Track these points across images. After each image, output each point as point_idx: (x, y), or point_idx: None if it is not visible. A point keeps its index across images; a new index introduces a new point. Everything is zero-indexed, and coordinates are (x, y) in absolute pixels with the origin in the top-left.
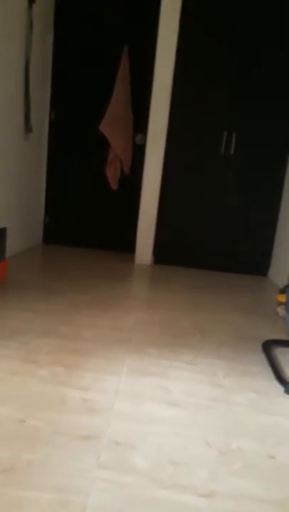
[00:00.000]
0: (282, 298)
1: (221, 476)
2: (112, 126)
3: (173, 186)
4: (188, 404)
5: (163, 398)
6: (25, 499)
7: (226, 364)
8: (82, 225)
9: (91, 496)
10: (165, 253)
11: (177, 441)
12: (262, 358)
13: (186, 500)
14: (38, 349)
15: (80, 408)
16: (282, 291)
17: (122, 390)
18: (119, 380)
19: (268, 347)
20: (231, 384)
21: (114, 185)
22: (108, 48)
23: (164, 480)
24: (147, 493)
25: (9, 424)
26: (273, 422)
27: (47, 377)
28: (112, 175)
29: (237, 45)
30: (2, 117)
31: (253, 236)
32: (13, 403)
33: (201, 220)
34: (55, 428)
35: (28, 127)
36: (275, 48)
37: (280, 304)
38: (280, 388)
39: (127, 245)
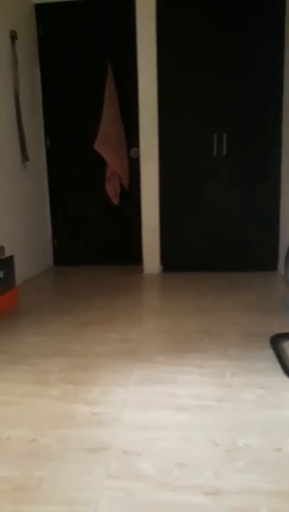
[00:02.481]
0: None
1: (227, 474)
2: (106, 144)
3: (171, 194)
4: (195, 407)
5: (170, 404)
6: None
7: (233, 364)
8: (90, 243)
9: (100, 505)
10: (172, 260)
11: (183, 444)
12: (270, 353)
13: (192, 500)
14: (48, 370)
15: (89, 422)
16: None
17: (130, 400)
18: (127, 391)
19: (276, 341)
20: (239, 382)
21: (115, 200)
22: (93, 68)
23: (171, 483)
24: (154, 497)
25: (21, 445)
26: (280, 416)
27: (57, 396)
28: (112, 190)
29: (217, 48)
30: None
31: (257, 233)
32: (24, 424)
33: (203, 224)
34: (65, 444)
35: (24, 156)
36: (257, 44)
37: None
38: (288, 381)
39: (136, 257)
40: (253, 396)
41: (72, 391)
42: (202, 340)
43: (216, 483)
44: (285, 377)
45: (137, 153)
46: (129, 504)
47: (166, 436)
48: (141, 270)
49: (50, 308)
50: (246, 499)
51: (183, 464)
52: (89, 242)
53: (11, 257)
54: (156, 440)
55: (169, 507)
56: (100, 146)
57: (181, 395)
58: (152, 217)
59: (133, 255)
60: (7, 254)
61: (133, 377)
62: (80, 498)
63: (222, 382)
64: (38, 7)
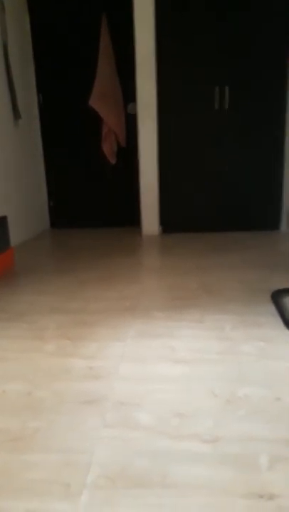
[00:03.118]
0: None
1: (226, 422)
2: (101, 99)
3: (171, 152)
4: (195, 360)
5: (169, 357)
6: (32, 462)
7: (233, 318)
8: (87, 204)
9: (96, 453)
10: (172, 221)
11: (182, 395)
12: (272, 308)
13: (191, 447)
14: (45, 326)
15: (86, 376)
16: None
17: (128, 354)
18: (125, 345)
19: (278, 296)
20: (239, 336)
21: (112, 159)
22: (87, 19)
23: (169, 432)
24: (151, 445)
25: (16, 398)
26: (281, 367)
27: (53, 351)
28: (109, 149)
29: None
30: None
31: (259, 191)
32: (20, 378)
33: (203, 182)
34: (60, 397)
35: (16, 114)
36: None
37: None
38: None
39: (135, 218)
40: (253, 348)
41: (69, 346)
42: (202, 296)
43: (215, 431)
44: (285, 330)
45: (134, 108)
46: (126, 452)
47: (165, 387)
48: (140, 232)
49: (48, 269)
50: (246, 446)
51: (181, 414)
52: (86, 203)
53: (5, 218)
54: (154, 392)
55: (167, 454)
56: (95, 102)
57: (180, 348)
58: (151, 177)
59: (132, 216)
60: (0, 214)
61: (131, 332)
62: (76, 446)
63: (222, 335)
64: None
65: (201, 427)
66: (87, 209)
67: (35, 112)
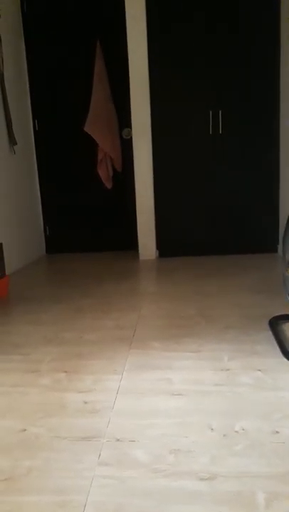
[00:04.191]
0: None
1: (223, 458)
2: (96, 124)
3: (166, 176)
4: (191, 392)
5: (165, 390)
6: (25, 504)
7: (231, 347)
8: (84, 229)
9: (91, 493)
10: (169, 245)
11: (179, 430)
12: (269, 335)
13: (187, 485)
14: (40, 359)
15: (81, 411)
16: None
17: (123, 387)
18: (121, 378)
19: (275, 323)
20: (236, 366)
21: (108, 184)
22: (81, 45)
23: (165, 469)
24: (147, 483)
25: (10, 435)
26: (279, 398)
27: (48, 385)
28: (105, 174)
29: (212, 21)
30: None
31: (255, 214)
32: (14, 414)
33: (200, 206)
34: (55, 433)
35: (12, 140)
36: (254, 17)
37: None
38: (287, 363)
39: (131, 242)
40: (251, 379)
41: (64, 380)
42: (199, 324)
43: (211, 468)
44: (283, 359)
45: (130, 133)
46: (122, 491)
47: (161, 422)
48: (137, 256)
49: (42, 297)
50: (243, 483)
51: (178, 450)
52: (82, 228)
53: (0, 245)
54: (150, 427)
55: (164, 493)
56: (91, 128)
57: (177, 381)
58: (147, 201)
59: (128, 240)
60: None
61: (127, 364)
62: (71, 486)
63: (219, 366)
64: None
65: (197, 463)
66: (83, 233)
67: (31, 138)
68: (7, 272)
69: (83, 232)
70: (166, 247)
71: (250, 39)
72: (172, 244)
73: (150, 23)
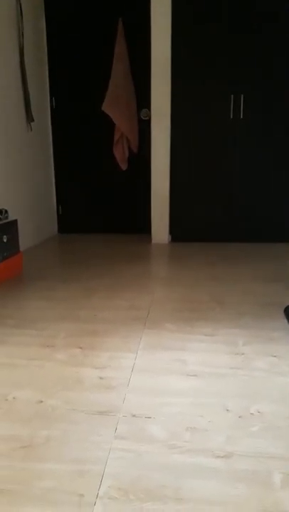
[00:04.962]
0: None
1: (239, 438)
2: (115, 105)
3: (183, 160)
4: (206, 374)
5: (180, 370)
6: (45, 471)
7: (246, 332)
8: (96, 210)
9: (108, 464)
10: (182, 230)
11: (194, 409)
12: (284, 323)
13: (203, 462)
14: (55, 334)
15: (97, 386)
16: None
17: (138, 365)
18: (136, 356)
19: None
20: (251, 351)
21: (123, 165)
22: (103, 23)
23: (181, 446)
24: (163, 459)
25: (28, 406)
26: None
27: (64, 360)
28: (120, 155)
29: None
30: (2, 109)
31: (273, 201)
32: (32, 386)
33: (215, 192)
34: (72, 406)
35: (29, 117)
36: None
37: None
38: None
39: (144, 226)
40: (265, 364)
41: (80, 355)
42: (213, 309)
43: (227, 447)
44: None
45: (148, 114)
46: (139, 464)
47: (176, 401)
48: (149, 239)
49: (56, 275)
50: (259, 463)
51: (194, 429)
52: (95, 209)
53: (15, 221)
54: (165, 405)
55: (180, 468)
56: (109, 108)
57: (192, 362)
58: (162, 184)
59: (141, 224)
60: (10, 218)
61: (142, 343)
62: (89, 457)
63: (234, 350)
64: None
65: (213, 442)
66: (96, 214)
67: (48, 115)
68: (20, 248)
69: (95, 213)
70: (179, 231)
71: (274, 29)
72: (185, 229)
73: (175, 3)
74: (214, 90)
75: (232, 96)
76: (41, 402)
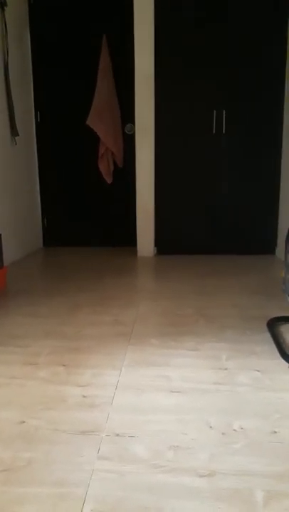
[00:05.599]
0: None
1: (222, 456)
2: (99, 119)
3: (167, 174)
4: (190, 389)
5: (164, 387)
6: (26, 495)
7: (229, 346)
8: (81, 223)
9: (91, 486)
10: (167, 243)
11: (178, 426)
12: (267, 336)
13: (186, 482)
14: (38, 352)
15: (80, 404)
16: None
17: (122, 382)
18: (120, 373)
19: (273, 325)
20: (235, 365)
21: (108, 178)
22: (87, 40)
23: (164, 465)
24: (146, 479)
25: (9, 426)
26: (277, 399)
27: (47, 378)
28: (105, 168)
29: (218, 20)
30: None
31: (255, 214)
32: (14, 406)
33: (200, 205)
34: (54, 426)
35: (14, 131)
36: (259, 20)
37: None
38: (285, 364)
39: (130, 238)
40: (249, 379)
41: (63, 373)
42: (197, 322)
43: (210, 465)
44: (281, 360)
45: (132, 129)
46: (121, 486)
47: (160, 418)
48: (134, 252)
49: (41, 289)
50: (241, 481)
51: (177, 447)
52: (80, 222)
53: None
54: (149, 422)
55: (163, 489)
56: (93, 122)
57: (175, 378)
58: (147, 197)
59: (127, 236)
60: None
61: (126, 360)
62: (71, 479)
63: (217, 365)
64: None
65: (196, 460)
66: (81, 227)
67: (32, 129)
68: (4, 263)
69: (81, 226)
70: (165, 244)
71: (257, 42)
72: (170, 242)
73: (158, 19)
74: (197, 105)
75: (214, 111)
76: (23, 422)
